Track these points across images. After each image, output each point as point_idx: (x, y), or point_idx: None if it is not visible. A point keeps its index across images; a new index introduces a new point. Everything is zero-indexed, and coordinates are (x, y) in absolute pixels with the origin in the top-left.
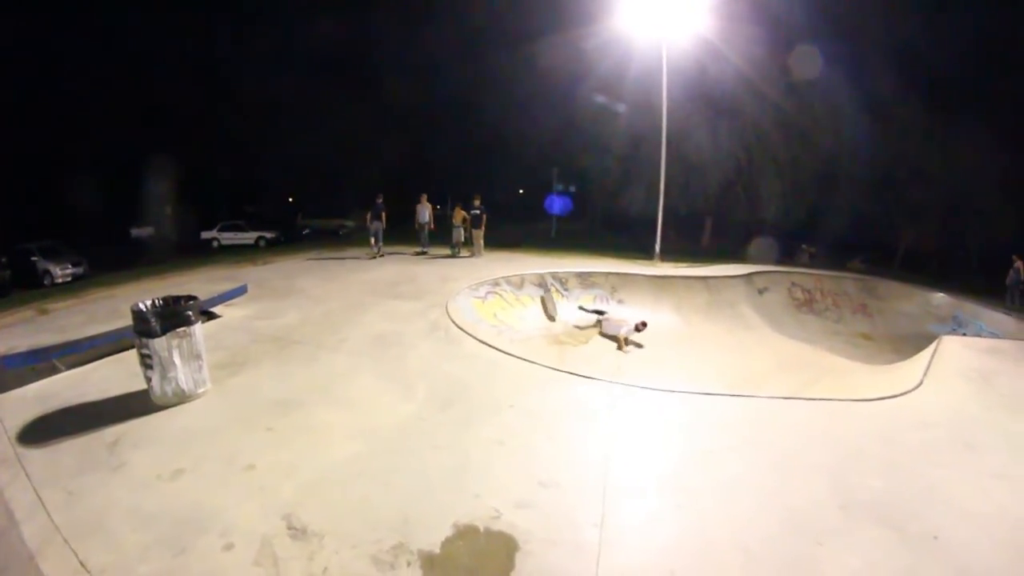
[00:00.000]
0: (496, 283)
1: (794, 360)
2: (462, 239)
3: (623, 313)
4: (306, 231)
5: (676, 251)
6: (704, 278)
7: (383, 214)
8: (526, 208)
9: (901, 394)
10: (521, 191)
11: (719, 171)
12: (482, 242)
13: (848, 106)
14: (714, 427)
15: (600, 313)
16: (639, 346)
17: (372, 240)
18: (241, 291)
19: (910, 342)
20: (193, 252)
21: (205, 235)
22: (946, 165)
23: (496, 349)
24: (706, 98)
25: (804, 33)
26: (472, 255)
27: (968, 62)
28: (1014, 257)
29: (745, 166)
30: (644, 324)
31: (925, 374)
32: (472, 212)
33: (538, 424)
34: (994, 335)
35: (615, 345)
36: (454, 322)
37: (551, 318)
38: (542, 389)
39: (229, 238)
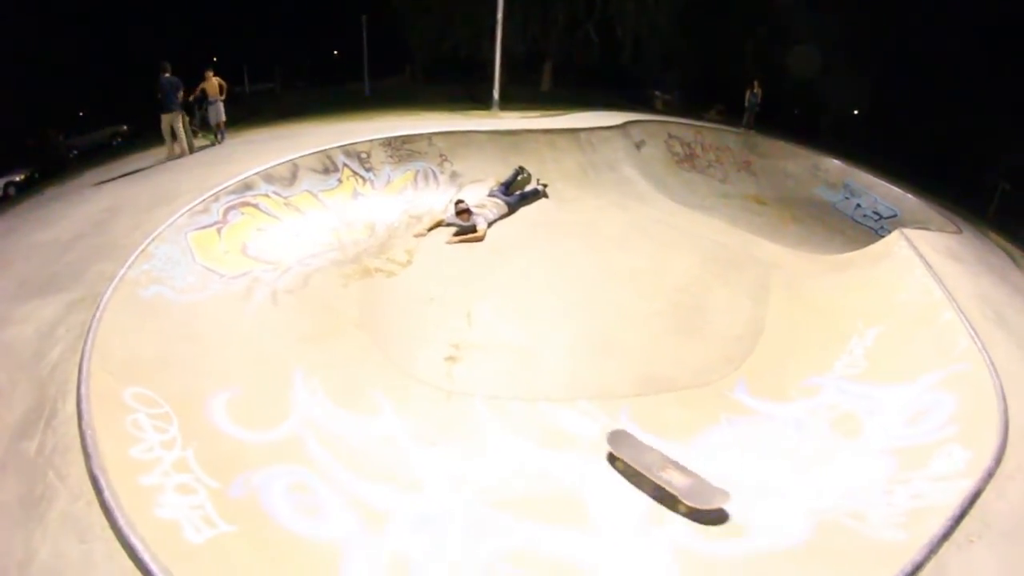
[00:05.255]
0: (247, 186)
1: (716, 248)
2: (223, 119)
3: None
4: (74, 152)
5: (515, 98)
6: (572, 131)
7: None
8: (341, 70)
9: None
10: (336, 52)
11: (567, 6)
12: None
13: None
14: None
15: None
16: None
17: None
18: None
19: (803, 208)
20: None
21: None
22: (812, 30)
23: None
24: None
25: None
26: (210, 144)
27: None
28: (754, 82)
29: (599, 2)
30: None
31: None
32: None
33: None
34: (892, 211)
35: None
36: (81, 412)
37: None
38: None
39: None
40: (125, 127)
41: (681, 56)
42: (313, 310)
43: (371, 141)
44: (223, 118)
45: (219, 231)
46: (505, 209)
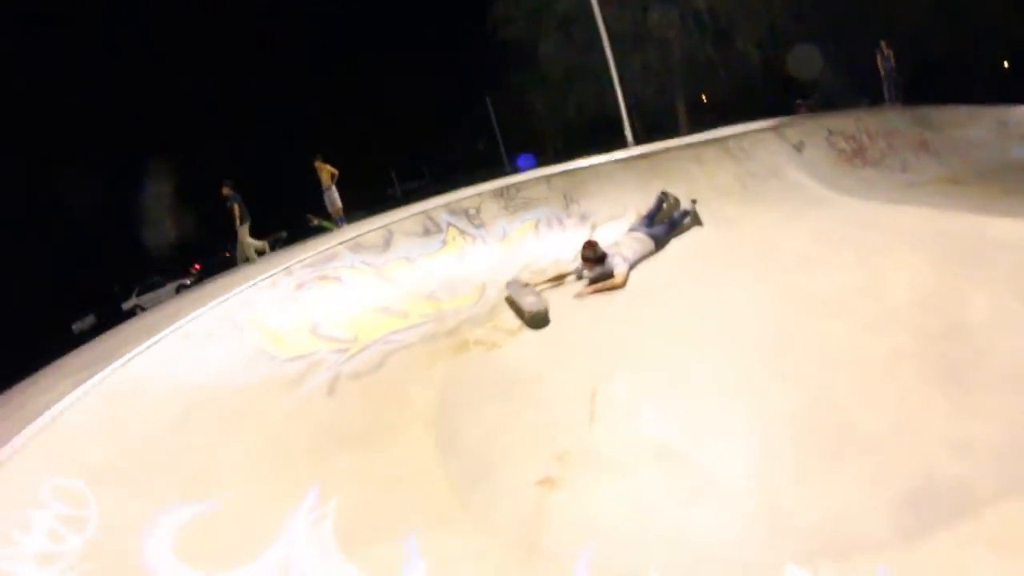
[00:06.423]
0: (331, 257)
1: (941, 239)
2: (339, 205)
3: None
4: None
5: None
6: (718, 140)
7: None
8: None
9: None
10: (481, 146)
11: (680, 35)
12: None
13: None
14: None
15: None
16: None
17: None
18: None
19: (1008, 176)
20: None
21: (125, 306)
22: None
23: None
24: None
25: None
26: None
27: None
28: (881, 43)
29: (708, 18)
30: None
31: None
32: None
33: None
34: None
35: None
36: None
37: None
38: None
39: (150, 300)
40: (284, 233)
41: (807, 47)
42: (377, 400)
43: (479, 194)
44: (339, 204)
45: (285, 308)
46: (650, 245)
